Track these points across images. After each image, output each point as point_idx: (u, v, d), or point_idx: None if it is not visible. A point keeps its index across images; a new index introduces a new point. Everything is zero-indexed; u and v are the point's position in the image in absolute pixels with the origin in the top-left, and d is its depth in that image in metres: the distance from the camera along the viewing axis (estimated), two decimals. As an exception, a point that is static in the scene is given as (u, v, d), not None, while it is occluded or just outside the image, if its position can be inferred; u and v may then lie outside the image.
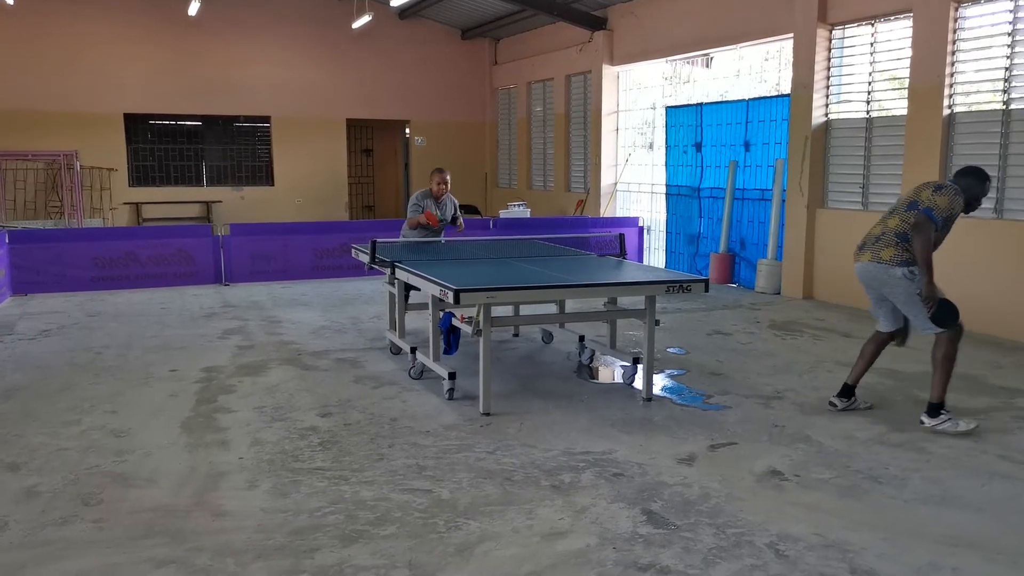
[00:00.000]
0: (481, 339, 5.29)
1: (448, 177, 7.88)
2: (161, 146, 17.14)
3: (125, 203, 16.47)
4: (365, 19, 15.58)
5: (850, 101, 9.66)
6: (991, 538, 3.63)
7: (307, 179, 17.80)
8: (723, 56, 12.42)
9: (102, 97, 16.06)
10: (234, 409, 5.54)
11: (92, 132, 16.01)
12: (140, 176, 16.90)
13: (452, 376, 5.71)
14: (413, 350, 6.34)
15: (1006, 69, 7.83)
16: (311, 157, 17.78)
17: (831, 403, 5.51)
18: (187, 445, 4.82)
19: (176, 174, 17.26)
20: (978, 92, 8.20)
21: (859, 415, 5.39)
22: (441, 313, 5.94)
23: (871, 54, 9.28)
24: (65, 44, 15.68)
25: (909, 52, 8.66)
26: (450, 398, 5.69)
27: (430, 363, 6.07)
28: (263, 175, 17.84)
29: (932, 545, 3.54)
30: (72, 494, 4.09)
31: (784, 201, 10.32)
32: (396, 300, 6.86)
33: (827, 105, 9.84)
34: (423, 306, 6.55)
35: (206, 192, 17.34)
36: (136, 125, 16.76)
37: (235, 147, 17.71)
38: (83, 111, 15.91)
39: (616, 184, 14.60)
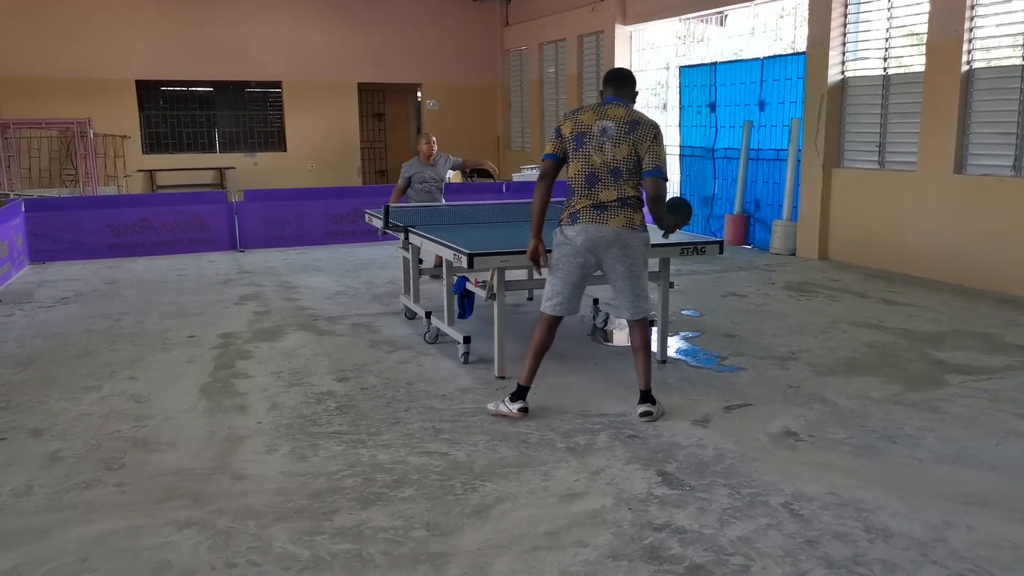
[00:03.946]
0: (495, 303, 5.31)
1: (433, 138, 8.37)
2: (173, 113, 17.12)
3: (139, 170, 16.50)
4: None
5: (867, 58, 9.50)
6: (1006, 496, 3.64)
7: (320, 144, 17.76)
8: (737, 14, 12.24)
9: (113, 63, 16.02)
10: (252, 374, 5.59)
11: (104, 99, 16.00)
12: (153, 143, 16.92)
13: (467, 340, 5.73)
14: (428, 314, 6.36)
15: (1027, 23, 7.70)
16: (323, 122, 17.72)
17: None
18: (206, 410, 4.88)
19: (189, 141, 17.26)
20: (997, 47, 8.05)
21: (873, 375, 5.38)
22: (455, 277, 5.95)
23: (888, 9, 9.10)
24: (75, 10, 15.60)
25: (927, 7, 8.49)
26: (465, 362, 5.72)
27: (445, 327, 6.09)
28: (275, 141, 17.81)
29: (947, 504, 3.55)
30: (95, 459, 4.15)
31: (799, 161, 10.22)
32: (410, 265, 6.87)
33: (843, 62, 9.69)
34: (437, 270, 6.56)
35: (219, 158, 17.33)
36: (148, 92, 16.73)
37: (247, 113, 17.67)
38: (95, 78, 15.88)
39: (629, 146, 14.46)
